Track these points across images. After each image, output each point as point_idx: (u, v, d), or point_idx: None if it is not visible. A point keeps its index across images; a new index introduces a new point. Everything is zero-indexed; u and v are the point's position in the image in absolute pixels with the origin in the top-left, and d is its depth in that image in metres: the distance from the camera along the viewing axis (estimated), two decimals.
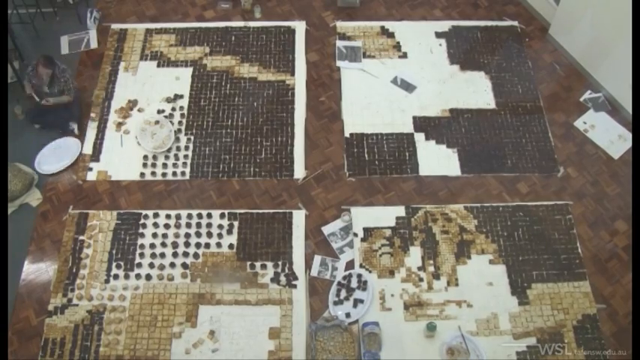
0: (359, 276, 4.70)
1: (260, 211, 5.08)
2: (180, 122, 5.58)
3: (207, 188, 5.23)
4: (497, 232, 4.99)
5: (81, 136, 5.48)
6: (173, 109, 5.66)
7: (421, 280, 4.74)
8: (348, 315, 4.53)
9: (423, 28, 6.29)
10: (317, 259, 4.82)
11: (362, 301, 4.59)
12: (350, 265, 4.82)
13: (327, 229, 4.98)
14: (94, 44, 6.10)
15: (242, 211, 5.07)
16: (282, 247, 4.89)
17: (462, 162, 5.37)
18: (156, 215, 5.05)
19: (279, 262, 4.81)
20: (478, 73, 5.95)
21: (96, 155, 5.39)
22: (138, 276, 4.75)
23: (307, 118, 5.63)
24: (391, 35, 6.22)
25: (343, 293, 4.64)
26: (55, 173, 5.29)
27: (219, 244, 4.91)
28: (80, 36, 6.16)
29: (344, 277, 4.70)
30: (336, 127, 5.58)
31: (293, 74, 5.91)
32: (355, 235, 4.92)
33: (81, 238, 4.93)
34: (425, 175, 5.29)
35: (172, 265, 4.81)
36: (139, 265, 4.81)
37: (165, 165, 5.34)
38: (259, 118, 5.62)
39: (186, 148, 5.43)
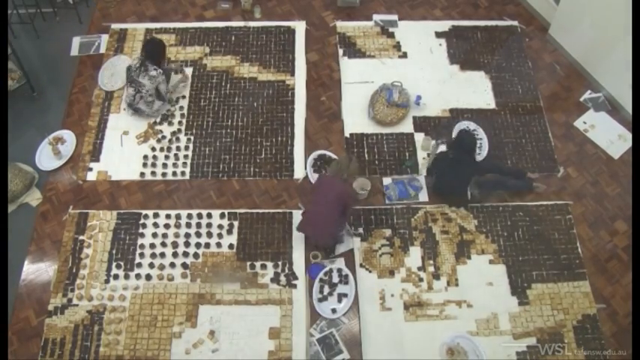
0: (339, 270, 4.72)
1: (260, 211, 5.08)
2: (180, 122, 5.58)
3: (207, 188, 5.23)
4: (497, 232, 4.99)
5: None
6: (173, 108, 5.66)
7: (421, 280, 4.74)
8: (334, 311, 4.54)
9: (423, 28, 6.30)
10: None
11: (346, 295, 4.61)
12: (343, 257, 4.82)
13: None
14: (103, 49, 6.07)
15: (242, 211, 5.08)
16: (282, 247, 4.89)
17: None
18: (156, 215, 5.05)
19: (279, 262, 4.81)
20: (478, 73, 5.94)
21: (96, 155, 5.40)
22: (138, 276, 4.75)
23: (307, 118, 5.63)
24: (391, 35, 6.21)
25: (326, 289, 4.65)
26: (56, 169, 5.30)
27: (219, 244, 4.91)
28: (92, 39, 6.15)
29: (325, 274, 4.71)
30: (336, 127, 5.58)
31: (293, 74, 5.91)
32: (358, 235, 4.92)
33: (81, 238, 4.93)
34: (425, 175, 5.28)
35: (172, 265, 4.81)
36: (139, 265, 4.81)
37: (165, 165, 5.34)
38: (259, 118, 5.62)
39: (186, 148, 5.43)
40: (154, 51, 5.34)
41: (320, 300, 4.62)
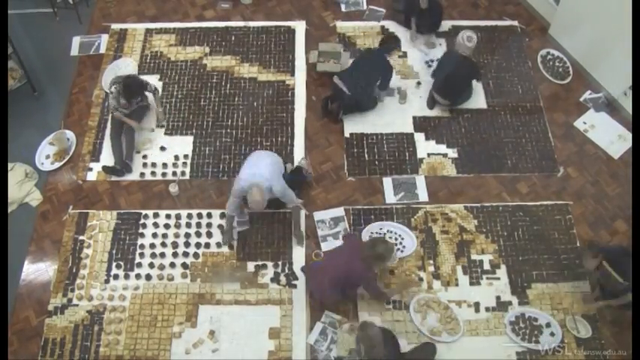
0: None
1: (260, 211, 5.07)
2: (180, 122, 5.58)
3: (207, 188, 5.23)
4: (497, 232, 4.99)
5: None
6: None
7: (421, 280, 4.74)
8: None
9: None
10: (317, 327, 4.50)
11: None
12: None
13: (318, 215, 5.00)
14: (103, 49, 6.08)
15: None
16: (282, 247, 4.89)
17: (462, 162, 5.37)
18: (156, 215, 5.05)
19: (279, 262, 4.81)
20: None
21: (96, 155, 5.40)
22: (138, 276, 4.75)
23: (307, 118, 5.62)
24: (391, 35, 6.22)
25: None
26: (56, 169, 5.31)
27: (219, 244, 4.91)
28: (92, 39, 6.16)
29: None
30: (336, 127, 5.57)
31: (293, 74, 5.91)
32: None
33: (81, 238, 4.93)
34: (425, 175, 5.29)
35: (172, 265, 4.81)
36: (139, 265, 4.81)
37: (165, 165, 5.34)
38: (259, 118, 5.63)
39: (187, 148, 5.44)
40: (132, 85, 5.20)
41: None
